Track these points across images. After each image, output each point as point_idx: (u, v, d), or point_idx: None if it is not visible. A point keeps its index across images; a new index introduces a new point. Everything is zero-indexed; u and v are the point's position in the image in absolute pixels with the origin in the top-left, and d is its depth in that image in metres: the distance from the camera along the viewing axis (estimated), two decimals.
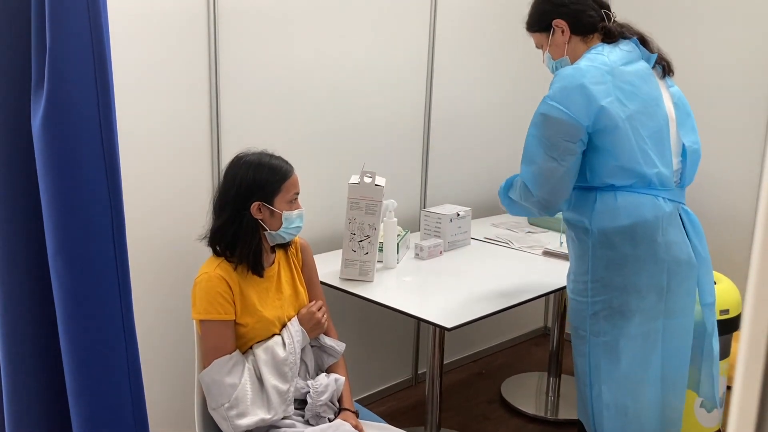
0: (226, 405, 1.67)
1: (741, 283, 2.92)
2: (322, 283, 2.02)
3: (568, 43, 1.81)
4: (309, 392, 1.77)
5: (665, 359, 1.83)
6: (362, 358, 2.86)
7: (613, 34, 1.80)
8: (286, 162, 1.79)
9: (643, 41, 1.82)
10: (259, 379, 1.71)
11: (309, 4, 2.42)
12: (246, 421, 1.66)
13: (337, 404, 1.84)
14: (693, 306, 1.84)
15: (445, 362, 2.39)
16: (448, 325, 1.84)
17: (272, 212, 1.73)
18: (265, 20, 2.31)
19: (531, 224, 2.99)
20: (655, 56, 1.82)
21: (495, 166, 3.21)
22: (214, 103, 2.23)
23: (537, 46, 1.92)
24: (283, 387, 1.71)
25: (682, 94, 1.89)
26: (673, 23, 3.07)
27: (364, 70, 2.64)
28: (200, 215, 2.14)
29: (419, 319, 1.93)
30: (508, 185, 1.95)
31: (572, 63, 1.81)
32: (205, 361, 1.70)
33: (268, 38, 2.33)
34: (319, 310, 1.85)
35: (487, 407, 2.95)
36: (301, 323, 1.81)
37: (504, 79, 3.20)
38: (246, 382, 1.69)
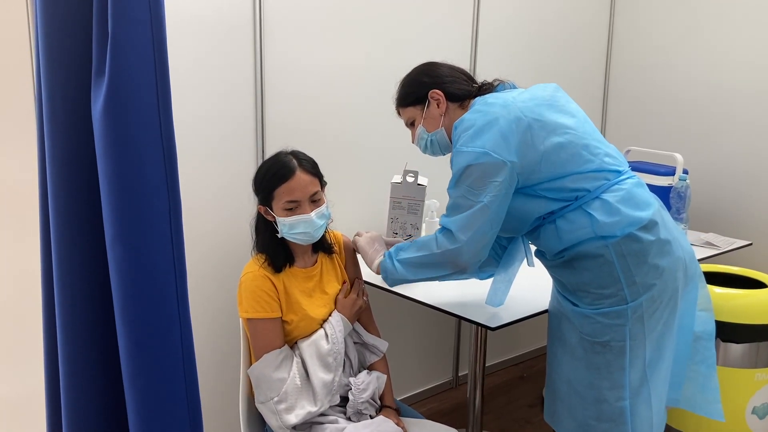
0: (275, 399, 1.68)
1: None
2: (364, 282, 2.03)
3: (444, 114, 1.73)
4: (351, 389, 1.78)
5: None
6: (402, 358, 2.86)
7: (491, 85, 1.75)
8: (289, 164, 1.68)
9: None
10: (306, 373, 1.72)
11: (354, 9, 2.45)
12: (294, 415, 1.67)
13: (379, 401, 1.84)
14: None
15: (486, 365, 2.37)
16: (492, 325, 1.82)
17: (273, 216, 1.72)
18: (310, 25, 2.35)
19: None
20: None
21: None
22: (260, 104, 2.27)
23: (407, 124, 1.84)
24: (328, 377, 1.72)
25: None
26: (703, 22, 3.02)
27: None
28: (244, 212, 2.17)
29: (463, 319, 1.92)
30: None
31: (448, 135, 1.74)
32: (256, 359, 1.71)
33: (312, 42, 2.36)
34: (358, 295, 1.86)
35: (529, 411, 2.91)
36: (342, 311, 1.81)
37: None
38: (295, 376, 1.70)
